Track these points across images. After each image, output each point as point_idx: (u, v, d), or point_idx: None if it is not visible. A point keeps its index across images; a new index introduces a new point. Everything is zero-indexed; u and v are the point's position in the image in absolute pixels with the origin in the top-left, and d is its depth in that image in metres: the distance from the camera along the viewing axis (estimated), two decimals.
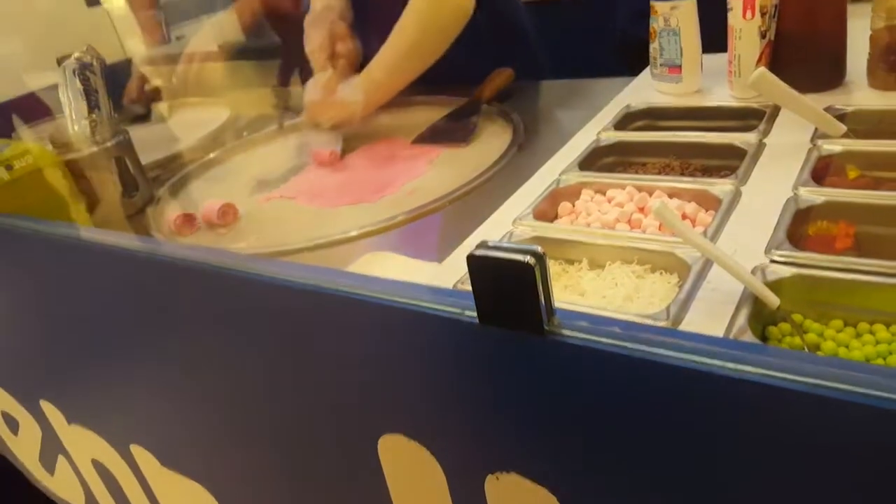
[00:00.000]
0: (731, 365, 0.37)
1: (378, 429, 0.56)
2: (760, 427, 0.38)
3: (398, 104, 1.34)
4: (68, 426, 0.93)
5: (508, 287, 0.44)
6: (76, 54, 1.13)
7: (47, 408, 0.96)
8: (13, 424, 1.07)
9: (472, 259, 0.45)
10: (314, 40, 1.27)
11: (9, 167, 1.05)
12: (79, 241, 0.74)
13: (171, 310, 0.69)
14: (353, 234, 0.89)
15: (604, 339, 0.42)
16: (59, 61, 1.61)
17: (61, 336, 0.87)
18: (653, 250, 0.66)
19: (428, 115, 1.30)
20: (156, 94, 1.82)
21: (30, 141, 1.25)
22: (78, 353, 0.86)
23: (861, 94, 0.90)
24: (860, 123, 0.83)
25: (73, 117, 1.13)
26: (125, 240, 0.69)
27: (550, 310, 0.44)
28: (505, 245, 0.44)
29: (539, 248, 0.42)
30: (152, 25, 1.89)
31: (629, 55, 1.64)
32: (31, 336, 0.94)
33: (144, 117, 1.73)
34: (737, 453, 0.39)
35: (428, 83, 1.24)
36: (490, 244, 0.45)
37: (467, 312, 0.47)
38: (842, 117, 0.82)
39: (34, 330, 0.92)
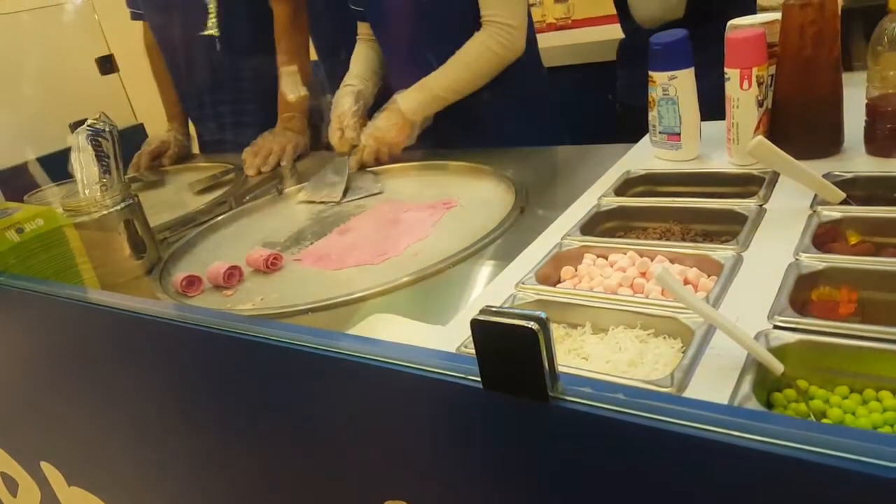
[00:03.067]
0: (735, 433, 0.37)
1: (381, 495, 0.55)
2: (765, 496, 0.37)
3: (403, 168, 1.37)
4: (68, 488, 0.92)
5: (512, 352, 0.44)
6: (90, 121, 1.16)
7: (47, 469, 0.95)
8: (12, 485, 1.05)
9: (475, 324, 0.45)
10: (342, 111, 1.46)
11: (20, 230, 1.06)
12: (85, 303, 0.75)
13: (176, 373, 0.69)
14: (358, 295, 0.90)
15: (608, 406, 0.42)
16: (72, 127, 1.65)
17: (66, 397, 0.87)
18: (656, 315, 0.66)
19: (430, 178, 1.33)
20: (165, 161, 1.86)
21: (41, 204, 1.27)
22: (82, 415, 0.85)
23: (859, 161, 0.91)
24: (859, 189, 0.84)
25: (85, 181, 1.15)
26: (131, 302, 0.70)
27: (554, 375, 0.44)
28: (508, 310, 0.44)
29: (543, 314, 0.43)
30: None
31: (627, 124, 1.70)
32: (34, 396, 0.93)
33: (158, 182, 1.77)
34: None
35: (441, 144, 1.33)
36: (494, 309, 0.45)
37: (471, 377, 0.47)
38: (841, 184, 0.83)
39: (38, 390, 0.92)
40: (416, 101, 1.36)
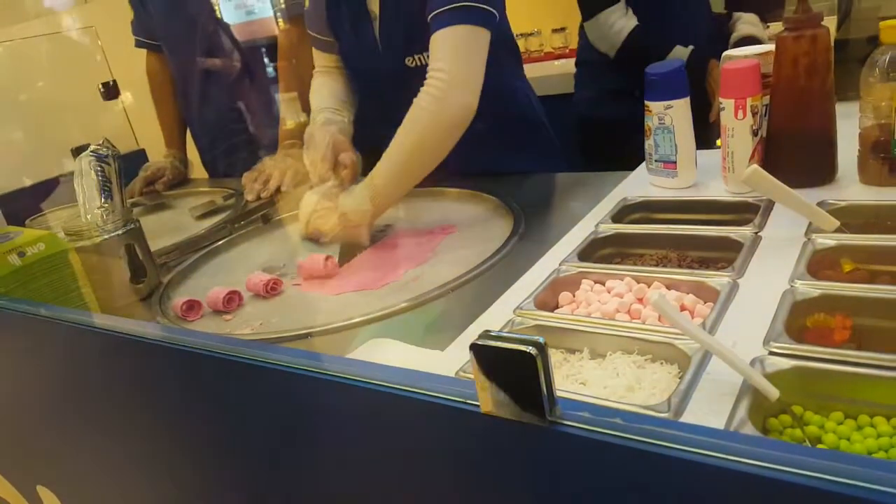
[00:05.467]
0: (732, 457, 0.37)
1: None
2: None
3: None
4: None
5: (511, 377, 0.45)
6: (92, 146, 1.17)
7: (44, 493, 0.94)
8: None
9: (475, 348, 0.45)
10: (316, 151, 1.26)
11: (21, 254, 1.07)
12: (84, 326, 0.75)
13: (176, 396, 0.69)
14: (357, 320, 0.90)
15: (606, 431, 0.42)
16: (74, 152, 1.67)
17: (64, 421, 0.87)
18: (653, 341, 0.67)
19: (428, 204, 1.34)
20: (159, 187, 1.88)
21: (43, 228, 1.28)
22: (79, 439, 0.85)
23: (853, 190, 0.93)
24: (853, 218, 0.85)
25: (87, 206, 1.16)
26: (130, 326, 0.70)
27: (552, 399, 0.44)
28: (507, 335, 0.45)
29: (541, 339, 0.43)
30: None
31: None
32: (32, 420, 0.93)
33: (158, 207, 1.78)
34: None
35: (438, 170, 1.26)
36: (493, 334, 0.46)
37: (470, 401, 0.47)
38: (835, 212, 0.84)
39: (36, 414, 0.92)
40: (361, 199, 1.17)
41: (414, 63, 1.31)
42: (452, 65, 1.12)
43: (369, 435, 0.54)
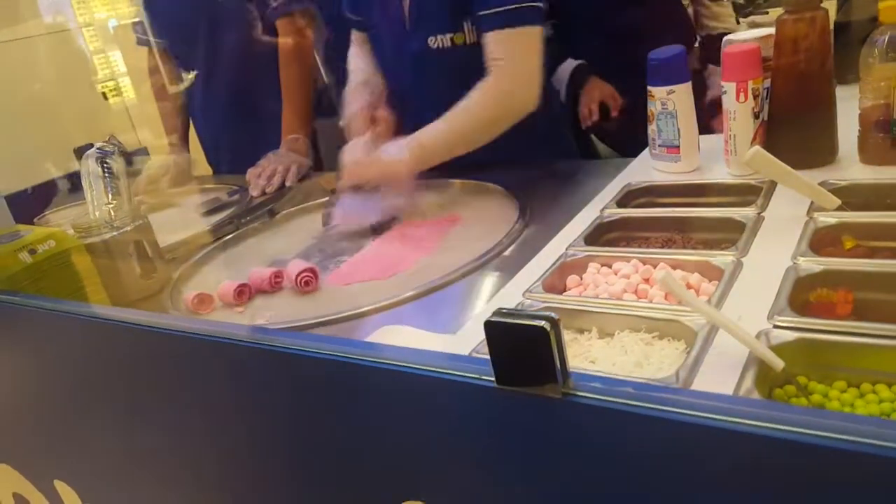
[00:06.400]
0: (744, 421, 0.39)
1: (398, 495, 0.56)
2: (777, 478, 0.39)
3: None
4: None
5: (525, 351, 0.46)
6: (98, 143, 1.18)
7: (62, 488, 0.96)
8: None
9: (489, 325, 0.47)
10: (353, 106, 1.32)
11: (32, 251, 1.08)
12: (98, 319, 0.76)
13: (197, 386, 0.70)
14: (367, 308, 0.91)
15: (618, 400, 0.44)
16: (77, 152, 1.67)
17: (81, 415, 0.88)
18: (660, 318, 0.68)
19: (434, 195, 1.35)
20: (163, 184, 1.89)
21: (52, 226, 1.30)
22: (96, 432, 0.86)
23: (853, 170, 0.94)
24: (853, 196, 0.86)
25: (95, 203, 1.17)
26: (147, 317, 0.72)
27: (565, 372, 0.46)
28: (520, 311, 0.46)
29: (554, 314, 0.45)
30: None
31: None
32: (48, 415, 0.95)
33: (165, 204, 1.79)
34: None
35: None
36: (505, 310, 0.47)
37: (484, 377, 0.49)
38: (836, 191, 0.85)
39: (52, 408, 0.93)
40: (404, 152, 1.20)
41: (437, 44, 1.33)
42: (522, 67, 1.20)
43: (387, 414, 0.56)
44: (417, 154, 1.19)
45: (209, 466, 0.74)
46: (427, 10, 1.32)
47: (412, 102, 1.26)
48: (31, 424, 0.98)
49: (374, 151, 1.24)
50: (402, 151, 1.20)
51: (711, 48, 1.65)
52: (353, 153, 1.26)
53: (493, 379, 0.48)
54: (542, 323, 0.45)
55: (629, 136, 1.30)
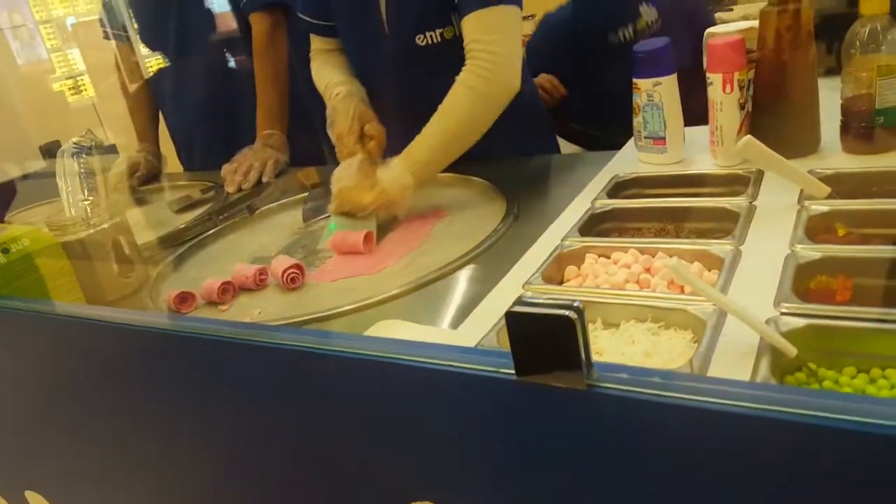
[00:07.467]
0: (780, 408, 0.38)
1: (408, 496, 0.55)
2: (809, 467, 0.39)
3: None
4: None
5: (548, 341, 0.45)
6: (75, 139, 1.14)
7: (33, 498, 0.92)
8: None
9: (510, 315, 0.46)
10: (341, 124, 1.24)
11: (5, 250, 1.04)
12: (72, 318, 0.73)
13: (186, 386, 0.67)
14: (362, 303, 0.90)
15: (646, 390, 0.43)
16: (42, 149, 1.62)
17: (52, 422, 0.84)
18: (666, 308, 0.68)
19: (419, 189, 1.33)
20: (134, 182, 1.85)
21: (25, 224, 1.25)
22: (69, 439, 0.83)
23: (836, 159, 0.95)
24: (839, 185, 0.88)
25: (70, 200, 1.14)
26: (125, 315, 0.68)
27: (590, 363, 0.45)
28: (544, 301, 0.45)
29: (579, 303, 0.44)
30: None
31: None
32: (18, 422, 0.91)
33: (137, 202, 1.75)
34: (786, 496, 0.40)
35: None
36: (527, 300, 0.46)
37: (502, 370, 0.48)
38: (822, 180, 0.87)
39: (22, 415, 0.89)
40: (401, 173, 1.16)
41: (425, 42, 1.29)
42: (499, 46, 1.14)
43: (398, 411, 0.54)
44: (418, 171, 1.15)
45: (194, 474, 0.72)
46: (410, 10, 1.28)
47: (405, 107, 1.17)
48: (0, 432, 0.94)
49: (369, 173, 1.18)
50: (404, 175, 1.15)
51: None
52: (349, 177, 1.19)
53: (511, 371, 0.47)
54: (568, 312, 0.44)
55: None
